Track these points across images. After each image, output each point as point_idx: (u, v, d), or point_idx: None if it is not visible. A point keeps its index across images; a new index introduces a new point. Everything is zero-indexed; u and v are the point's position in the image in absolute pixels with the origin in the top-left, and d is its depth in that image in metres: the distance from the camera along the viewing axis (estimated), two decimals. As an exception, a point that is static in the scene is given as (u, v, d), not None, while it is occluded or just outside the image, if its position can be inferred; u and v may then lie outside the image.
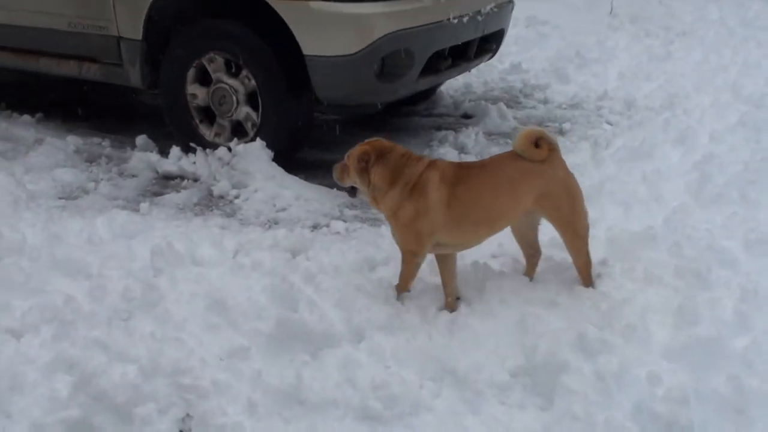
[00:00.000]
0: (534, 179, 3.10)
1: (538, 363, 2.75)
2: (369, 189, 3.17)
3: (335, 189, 4.52)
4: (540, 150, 3.09)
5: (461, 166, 3.27)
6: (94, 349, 2.91)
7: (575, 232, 3.20)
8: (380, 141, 3.23)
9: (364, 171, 3.15)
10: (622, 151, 4.74)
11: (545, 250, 3.50)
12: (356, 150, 3.19)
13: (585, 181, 4.22)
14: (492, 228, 3.19)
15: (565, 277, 3.31)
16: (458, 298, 3.24)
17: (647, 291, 3.16)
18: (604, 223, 3.74)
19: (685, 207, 3.86)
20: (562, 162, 3.18)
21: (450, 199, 3.06)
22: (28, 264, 3.51)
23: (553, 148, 3.13)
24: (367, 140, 3.25)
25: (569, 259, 3.45)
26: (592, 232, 3.60)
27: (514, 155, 3.15)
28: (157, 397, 2.69)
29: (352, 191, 3.29)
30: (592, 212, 3.81)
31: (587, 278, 3.25)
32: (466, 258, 3.55)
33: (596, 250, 3.50)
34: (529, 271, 3.38)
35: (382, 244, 3.69)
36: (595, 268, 3.32)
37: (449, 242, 3.16)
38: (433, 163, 3.16)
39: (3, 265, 3.47)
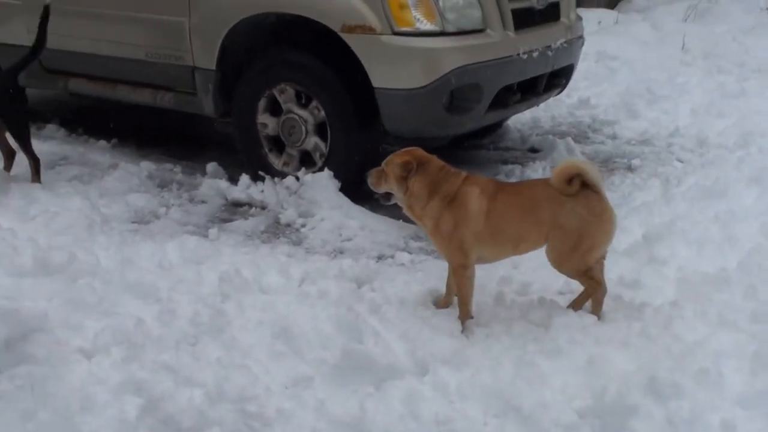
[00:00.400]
0: (552, 207, 3.18)
1: (606, 404, 2.69)
2: (406, 196, 3.34)
3: (401, 220, 4.54)
4: (570, 186, 3.14)
5: (498, 183, 3.41)
6: (162, 372, 2.96)
7: (559, 267, 3.26)
8: (419, 150, 3.39)
9: (403, 179, 3.31)
10: (694, 190, 4.64)
11: (615, 289, 3.45)
12: (397, 158, 3.34)
13: (655, 219, 4.18)
14: (517, 247, 3.31)
15: (636, 317, 3.24)
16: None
17: (721, 335, 3.06)
18: (674, 263, 3.67)
19: (760, 249, 3.74)
20: (594, 201, 3.16)
21: (489, 210, 3.21)
22: (101, 286, 3.61)
23: (590, 186, 3.14)
24: (405, 149, 3.39)
25: (639, 298, 3.40)
26: (662, 270, 3.58)
27: (546, 182, 3.25)
28: (223, 423, 2.71)
29: (386, 196, 3.45)
30: (662, 251, 3.77)
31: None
32: (532, 294, 3.53)
33: (667, 290, 3.45)
34: (595, 309, 3.32)
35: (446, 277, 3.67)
36: (666, 309, 3.24)
37: (483, 255, 3.30)
38: (470, 177, 3.33)
39: (77, 287, 3.57)
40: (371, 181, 3.42)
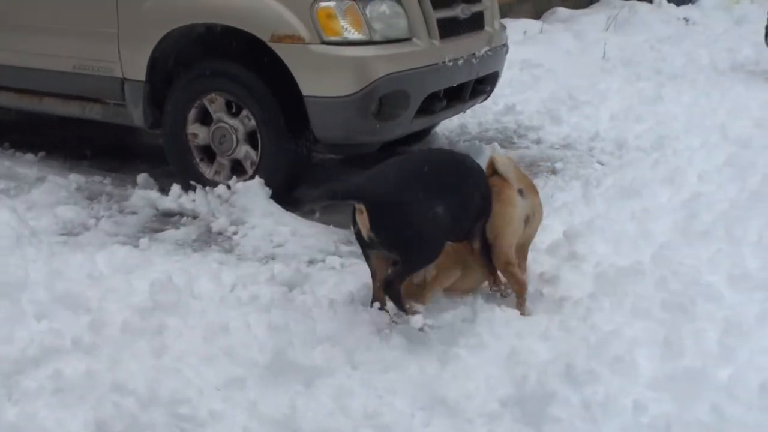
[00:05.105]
0: None
1: (527, 393, 2.81)
2: None
3: (332, 226, 4.63)
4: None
5: None
6: (94, 379, 2.98)
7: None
8: None
9: None
10: (612, 190, 4.85)
11: (536, 285, 3.61)
12: None
13: (575, 218, 4.37)
14: None
15: (556, 310, 3.40)
16: None
17: (635, 324, 3.23)
18: (593, 259, 3.83)
19: (672, 243, 3.95)
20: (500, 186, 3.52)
21: None
22: (30, 298, 3.59)
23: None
24: None
25: (559, 293, 3.55)
26: (581, 266, 3.76)
27: None
28: (155, 426, 2.75)
29: None
30: (581, 248, 3.94)
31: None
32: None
33: (585, 284, 3.61)
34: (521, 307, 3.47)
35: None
36: (584, 302, 3.40)
37: None
38: None
39: (6, 299, 3.55)
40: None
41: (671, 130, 6.29)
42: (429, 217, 3.25)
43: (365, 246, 3.37)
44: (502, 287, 3.60)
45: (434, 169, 3.46)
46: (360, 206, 3.20)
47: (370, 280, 3.73)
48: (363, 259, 4.16)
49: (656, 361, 2.97)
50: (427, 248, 3.28)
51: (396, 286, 3.27)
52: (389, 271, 3.33)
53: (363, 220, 3.20)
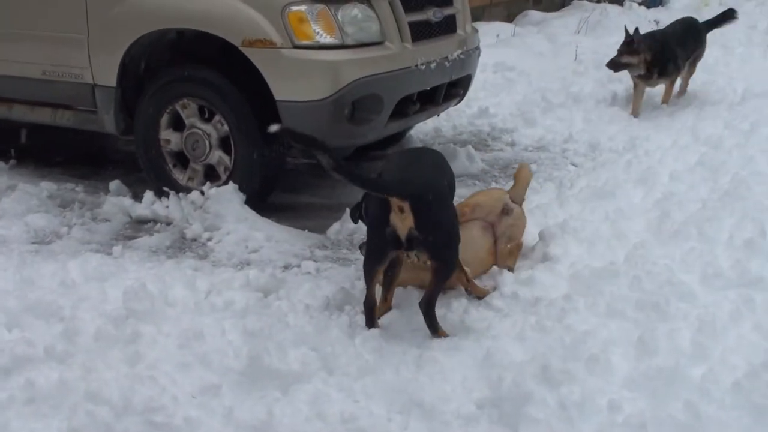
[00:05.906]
0: None
1: (503, 394, 2.81)
2: None
3: (306, 231, 4.62)
4: None
5: None
6: (67, 387, 2.94)
7: None
8: None
9: None
10: (586, 191, 4.87)
11: (511, 287, 3.61)
12: None
13: (549, 220, 4.38)
14: None
15: (531, 311, 3.41)
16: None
17: (609, 324, 3.25)
18: (567, 260, 3.85)
19: (645, 243, 3.97)
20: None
21: None
22: (1, 306, 3.54)
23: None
24: None
25: (534, 294, 3.57)
26: (555, 267, 3.79)
27: None
28: (129, 434, 2.73)
29: None
30: (556, 249, 3.96)
31: None
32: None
33: (560, 285, 3.63)
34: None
35: (352, 283, 3.77)
36: (559, 303, 3.42)
37: None
38: None
39: (-25, 309, 3.50)
40: None
41: (643, 131, 6.35)
42: (456, 214, 3.33)
43: (392, 246, 3.17)
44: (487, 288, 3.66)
45: (443, 165, 3.54)
46: (402, 203, 3.06)
47: (345, 285, 3.73)
48: (339, 263, 4.18)
49: (631, 360, 2.99)
50: (457, 249, 3.29)
51: (434, 304, 3.27)
52: (425, 291, 3.30)
53: (403, 218, 3.07)
